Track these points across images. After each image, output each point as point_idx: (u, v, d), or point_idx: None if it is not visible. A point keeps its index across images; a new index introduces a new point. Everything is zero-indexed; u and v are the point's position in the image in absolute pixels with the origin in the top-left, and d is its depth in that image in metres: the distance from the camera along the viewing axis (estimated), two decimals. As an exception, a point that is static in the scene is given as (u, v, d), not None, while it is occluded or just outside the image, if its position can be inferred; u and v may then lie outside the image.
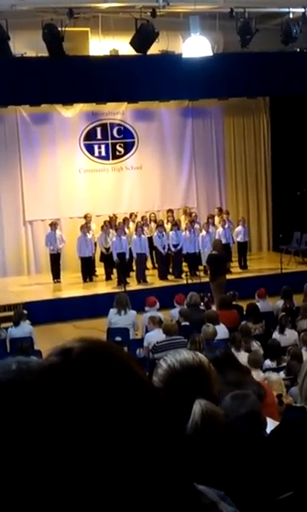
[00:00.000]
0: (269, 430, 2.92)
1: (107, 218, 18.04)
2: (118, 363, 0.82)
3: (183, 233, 17.50)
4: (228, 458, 2.09)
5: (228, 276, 15.50)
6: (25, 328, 11.71)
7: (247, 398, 2.87)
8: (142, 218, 18.31)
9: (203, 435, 1.79)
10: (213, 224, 17.91)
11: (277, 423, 3.00)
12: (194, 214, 18.54)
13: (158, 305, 12.05)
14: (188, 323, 10.99)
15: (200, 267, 16.93)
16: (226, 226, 17.86)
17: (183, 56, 13.79)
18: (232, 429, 2.61)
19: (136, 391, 0.80)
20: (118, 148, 19.33)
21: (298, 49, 16.36)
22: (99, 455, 0.73)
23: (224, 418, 1.97)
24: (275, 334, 10.15)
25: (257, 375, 7.56)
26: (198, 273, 16.71)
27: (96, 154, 19.13)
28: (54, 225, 17.40)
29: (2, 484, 0.71)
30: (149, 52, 14.69)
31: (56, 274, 17.32)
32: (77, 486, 0.71)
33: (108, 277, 17.36)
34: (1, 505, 0.70)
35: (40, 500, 0.70)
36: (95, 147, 19.12)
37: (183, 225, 18.01)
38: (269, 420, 2.95)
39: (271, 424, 2.96)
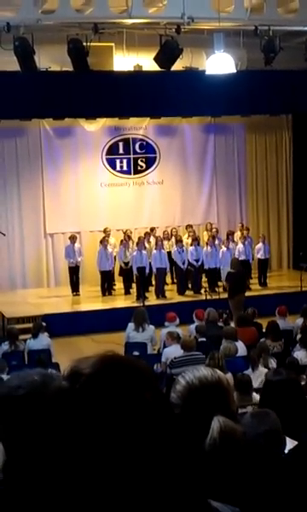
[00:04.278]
0: (287, 450, 2.90)
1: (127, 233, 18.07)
2: (130, 386, 0.81)
3: (204, 248, 17.47)
4: (246, 476, 2.07)
5: (248, 294, 15.42)
6: (43, 340, 11.72)
7: (267, 417, 2.85)
8: (164, 232, 18.33)
9: (221, 452, 1.78)
10: (233, 241, 17.87)
11: (296, 443, 2.97)
12: (215, 229, 18.52)
13: (177, 320, 12.02)
14: (204, 339, 10.92)
15: (220, 283, 16.88)
16: (246, 242, 17.82)
17: (207, 73, 13.81)
18: (250, 447, 2.59)
19: (145, 412, 0.79)
20: (139, 162, 19.39)
21: (321, 68, 16.36)
22: (109, 472, 0.72)
23: (243, 435, 1.96)
24: (297, 354, 10.03)
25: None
26: (217, 289, 16.65)
27: (118, 168, 19.20)
28: (73, 238, 17.46)
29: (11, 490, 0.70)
30: (173, 68, 14.78)
31: (75, 287, 17.33)
32: (88, 506, 0.70)
33: (127, 291, 17.36)
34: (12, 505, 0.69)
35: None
36: (117, 161, 19.21)
37: (205, 240, 17.98)
38: (288, 439, 2.92)
39: (290, 444, 2.93)
